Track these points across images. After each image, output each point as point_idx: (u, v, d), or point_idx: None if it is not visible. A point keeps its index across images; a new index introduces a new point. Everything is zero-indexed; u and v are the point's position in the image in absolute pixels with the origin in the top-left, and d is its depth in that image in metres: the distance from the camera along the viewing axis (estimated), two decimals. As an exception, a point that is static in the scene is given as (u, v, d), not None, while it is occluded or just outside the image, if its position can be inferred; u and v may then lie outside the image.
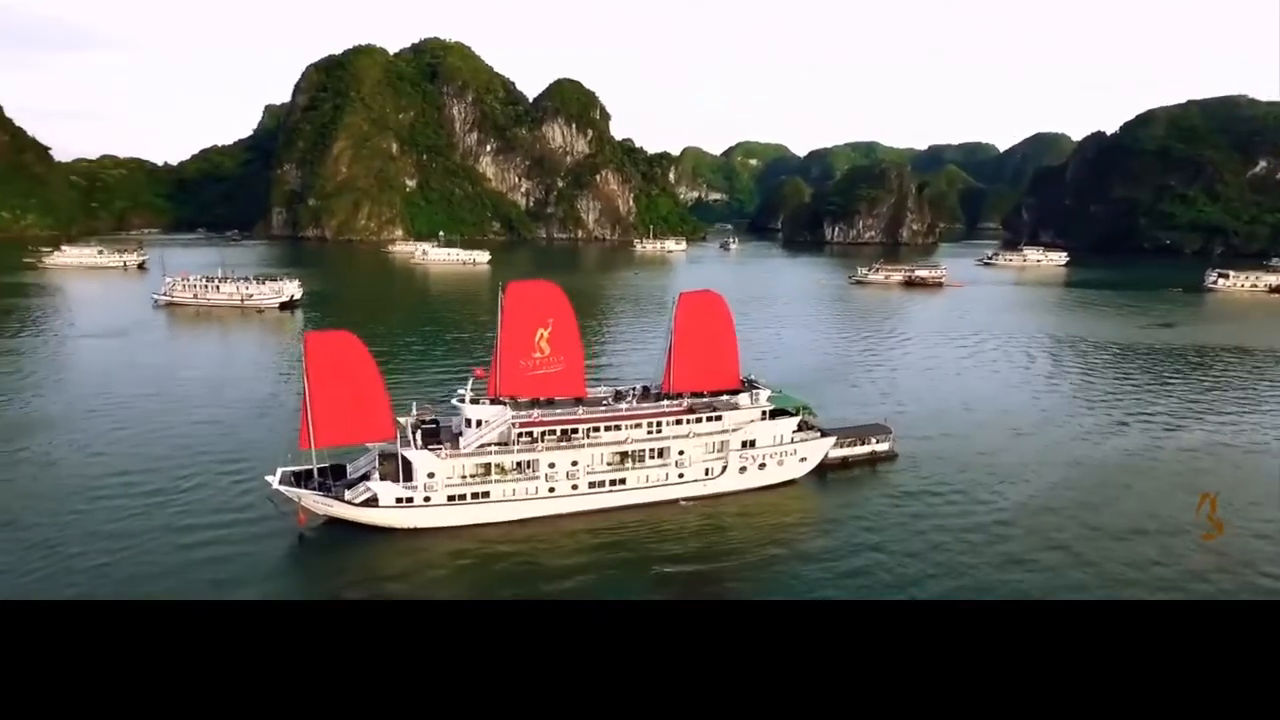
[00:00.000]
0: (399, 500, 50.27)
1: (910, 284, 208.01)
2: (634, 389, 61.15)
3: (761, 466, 58.96)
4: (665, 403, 57.97)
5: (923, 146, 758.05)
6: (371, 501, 49.97)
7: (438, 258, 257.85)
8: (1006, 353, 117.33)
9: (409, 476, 50.50)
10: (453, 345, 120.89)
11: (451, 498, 51.33)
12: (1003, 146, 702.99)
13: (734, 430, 58.04)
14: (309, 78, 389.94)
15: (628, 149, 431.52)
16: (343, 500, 49.79)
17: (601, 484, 54.38)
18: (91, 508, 52.90)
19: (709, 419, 57.62)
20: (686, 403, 58.18)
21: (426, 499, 50.72)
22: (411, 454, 50.64)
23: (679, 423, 56.83)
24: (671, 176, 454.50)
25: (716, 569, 48.18)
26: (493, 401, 55.03)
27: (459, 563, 48.30)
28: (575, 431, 54.50)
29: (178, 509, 52.90)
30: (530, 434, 53.40)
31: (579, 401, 57.15)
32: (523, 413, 53.85)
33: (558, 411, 55.01)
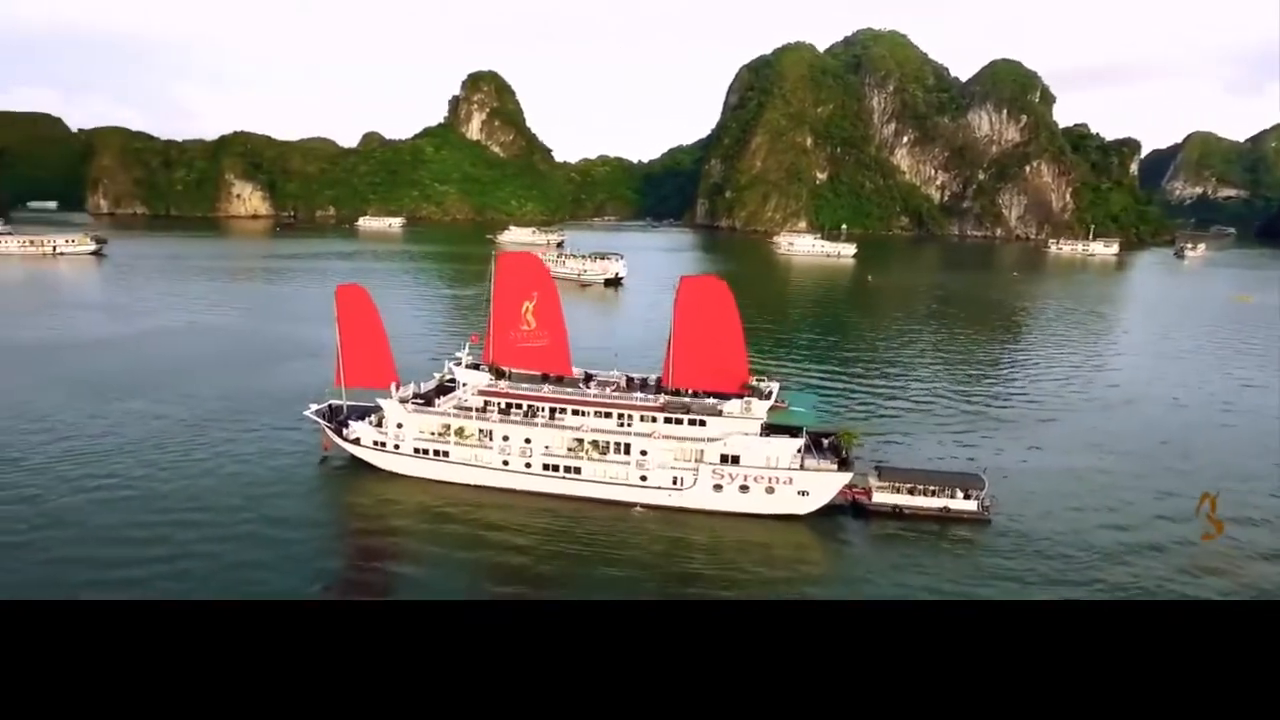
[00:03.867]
0: (375, 443, 55.62)
1: None
2: (642, 379, 56.48)
3: (744, 489, 49.59)
4: (639, 395, 52.50)
5: None
6: (357, 440, 56.24)
7: (802, 249, 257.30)
8: None
9: (384, 424, 55.47)
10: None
11: (418, 450, 54.81)
12: None
13: (710, 440, 49.88)
14: (741, 78, 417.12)
15: (1078, 135, 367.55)
16: (340, 435, 57.02)
17: (555, 468, 52.14)
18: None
19: (678, 420, 50.52)
20: (662, 400, 51.81)
21: (395, 447, 55.13)
22: (384, 404, 55.45)
23: (647, 419, 51.07)
24: (1134, 168, 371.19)
25: (571, 579, 43.17)
26: (490, 369, 56.63)
27: (408, 508, 51.93)
28: (539, 410, 53.10)
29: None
30: (490, 404, 53.79)
31: (568, 380, 55.32)
32: (490, 382, 54.44)
33: (524, 386, 54.20)
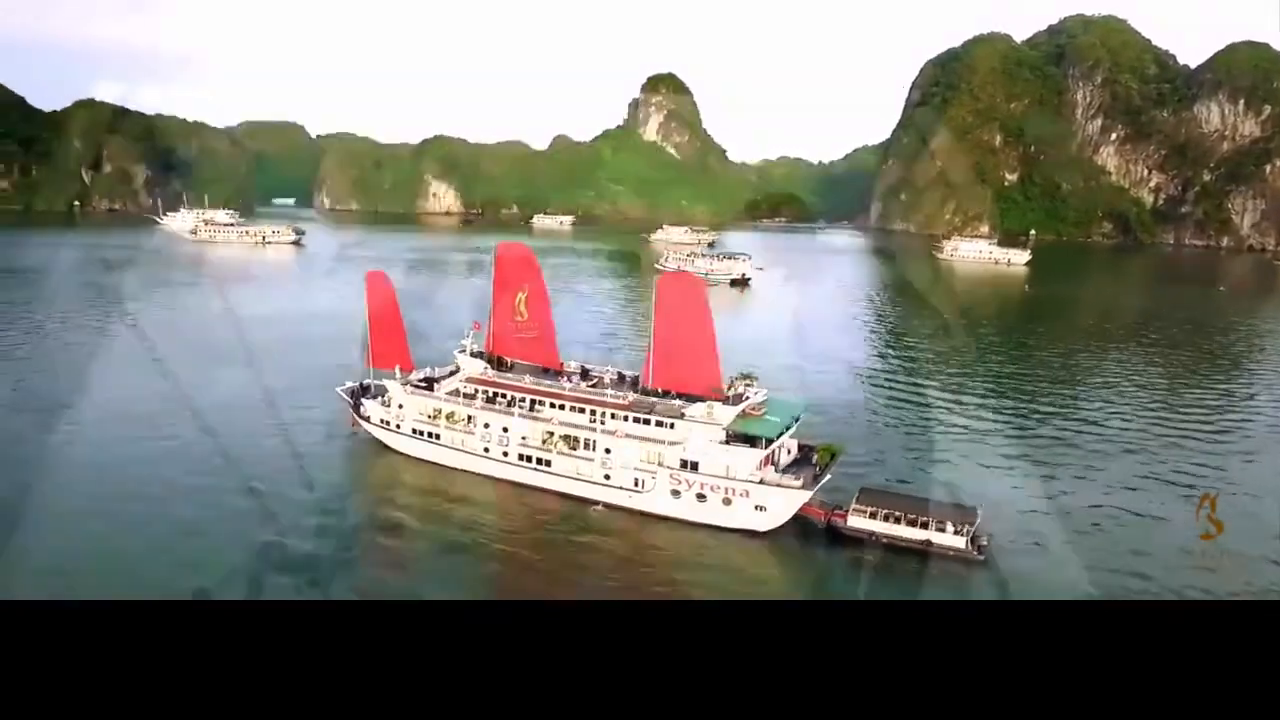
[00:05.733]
0: (382, 422, 58.89)
1: None
2: (634, 377, 55.28)
3: (700, 498, 47.08)
4: (609, 393, 51.30)
5: None
6: (368, 418, 59.83)
7: (968, 254, 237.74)
8: None
9: (389, 404, 58.54)
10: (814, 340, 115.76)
11: (415, 431, 57.35)
12: None
13: (670, 444, 47.81)
14: (925, 74, 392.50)
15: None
16: (357, 412, 60.94)
17: (528, 459, 52.45)
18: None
19: (645, 421, 48.83)
20: (630, 398, 50.30)
21: (397, 426, 58.03)
22: (389, 385, 58.44)
23: (613, 417, 49.93)
24: None
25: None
26: (490, 359, 58.02)
27: (396, 484, 54.89)
28: (520, 400, 53.60)
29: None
30: (478, 391, 55.06)
31: (553, 373, 55.46)
32: (483, 370, 55.71)
33: (508, 376, 54.88)
